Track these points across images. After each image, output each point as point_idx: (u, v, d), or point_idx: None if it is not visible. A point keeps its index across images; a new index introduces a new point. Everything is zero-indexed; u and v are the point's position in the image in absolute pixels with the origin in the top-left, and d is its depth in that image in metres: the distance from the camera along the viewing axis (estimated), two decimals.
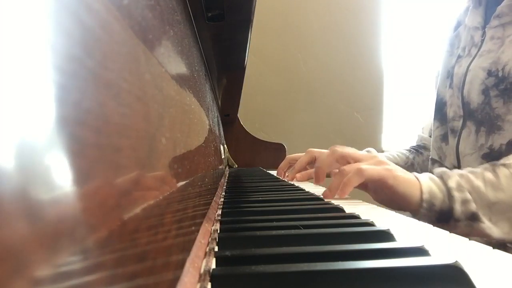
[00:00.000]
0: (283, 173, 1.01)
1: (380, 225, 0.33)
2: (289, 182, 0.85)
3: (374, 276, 0.21)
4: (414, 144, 1.06)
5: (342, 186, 0.59)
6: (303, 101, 1.87)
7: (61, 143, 0.09)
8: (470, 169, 0.62)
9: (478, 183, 0.57)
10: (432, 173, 0.62)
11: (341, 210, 0.44)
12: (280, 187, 0.73)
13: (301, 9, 1.86)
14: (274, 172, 1.15)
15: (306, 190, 0.68)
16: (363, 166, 0.59)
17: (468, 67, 0.77)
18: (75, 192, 0.10)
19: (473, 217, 0.56)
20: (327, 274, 0.21)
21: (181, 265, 0.21)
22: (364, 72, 1.89)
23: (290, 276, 0.21)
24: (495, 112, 0.70)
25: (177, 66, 0.31)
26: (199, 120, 0.42)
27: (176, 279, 0.19)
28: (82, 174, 0.10)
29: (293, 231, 0.31)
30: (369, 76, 1.90)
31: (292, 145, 1.64)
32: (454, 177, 0.59)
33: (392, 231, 0.30)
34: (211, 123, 0.63)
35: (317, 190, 0.76)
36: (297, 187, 0.72)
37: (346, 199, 0.62)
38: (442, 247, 0.30)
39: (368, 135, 1.90)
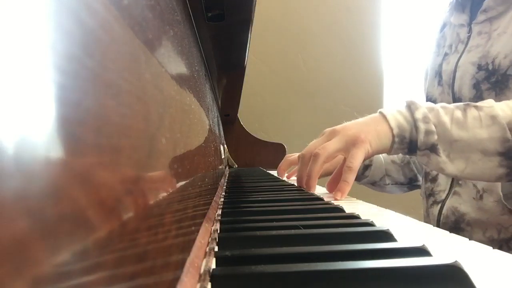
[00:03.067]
0: (283, 173, 1.00)
1: (380, 225, 0.33)
2: (289, 182, 0.85)
3: (374, 276, 0.21)
4: None
5: (308, 175, 0.63)
6: (303, 101, 1.87)
7: (61, 143, 0.09)
8: (443, 104, 0.62)
9: (445, 118, 0.59)
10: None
11: (341, 210, 0.44)
12: (280, 187, 0.73)
13: (301, 9, 1.86)
14: (274, 172, 1.15)
15: (306, 190, 0.68)
16: (319, 148, 0.62)
17: (456, 63, 0.78)
18: (75, 192, 0.10)
19: (432, 149, 0.58)
20: (327, 274, 0.21)
21: (181, 265, 0.21)
22: (364, 72, 1.89)
23: (290, 276, 0.21)
24: None
25: (177, 66, 0.31)
26: (199, 120, 0.42)
27: (176, 279, 0.19)
28: (82, 174, 0.10)
29: (293, 231, 0.31)
30: (369, 76, 1.90)
31: (292, 145, 1.64)
32: (422, 108, 0.60)
33: (392, 231, 0.30)
34: (211, 123, 0.63)
35: (317, 190, 0.76)
36: (297, 187, 0.72)
37: (346, 198, 0.62)
38: (442, 247, 0.30)
39: None
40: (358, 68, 1.89)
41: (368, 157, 0.62)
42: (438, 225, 0.82)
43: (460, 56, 0.78)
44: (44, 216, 0.08)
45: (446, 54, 0.83)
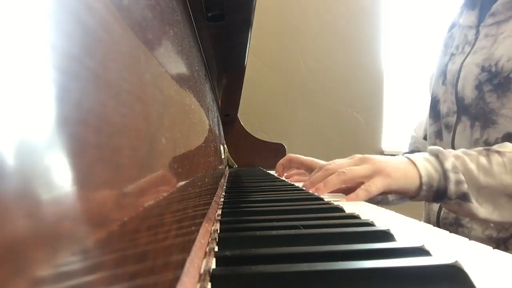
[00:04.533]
0: (282, 169, 0.98)
1: (380, 225, 0.33)
2: (289, 182, 0.85)
3: (374, 276, 0.21)
4: (407, 149, 1.07)
5: (324, 182, 0.63)
6: (303, 101, 1.87)
7: (61, 143, 0.09)
8: (464, 150, 0.64)
9: (472, 166, 0.60)
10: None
11: (341, 210, 0.44)
12: (280, 187, 0.73)
13: (301, 9, 1.86)
14: (274, 172, 1.15)
15: (306, 190, 0.68)
16: (347, 168, 0.62)
17: (462, 63, 0.79)
18: (75, 192, 0.10)
19: (464, 197, 0.60)
20: (327, 274, 0.21)
21: (181, 265, 0.21)
22: (364, 72, 1.89)
23: (290, 276, 0.21)
24: (489, 106, 0.72)
25: (177, 66, 0.31)
26: (199, 120, 0.42)
27: (176, 279, 0.19)
28: (82, 174, 0.10)
29: (293, 231, 0.31)
30: (369, 76, 1.90)
31: (292, 145, 1.64)
32: (450, 158, 0.61)
33: (392, 231, 0.30)
34: (211, 123, 0.63)
35: None
36: (297, 187, 0.72)
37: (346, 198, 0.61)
38: (442, 247, 0.30)
39: (368, 135, 1.90)
40: (358, 68, 1.89)
41: (388, 193, 0.63)
42: (438, 220, 0.83)
43: (466, 57, 0.79)
44: (44, 216, 0.08)
45: (452, 55, 0.84)
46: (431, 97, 0.90)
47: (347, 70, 1.89)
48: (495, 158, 0.61)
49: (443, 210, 0.82)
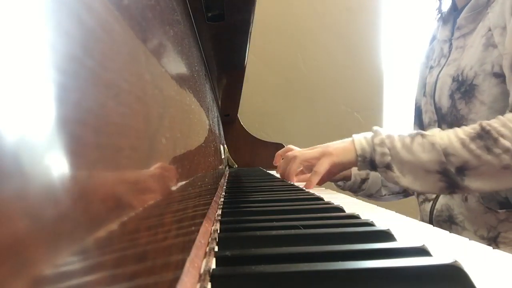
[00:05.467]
0: (279, 157, 1.02)
1: (380, 225, 0.33)
2: (289, 182, 0.85)
3: (374, 276, 0.21)
4: None
5: (287, 176, 0.84)
6: (303, 101, 1.87)
7: (61, 143, 0.09)
8: (400, 132, 0.76)
9: (398, 144, 0.74)
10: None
11: (341, 210, 0.44)
12: (280, 187, 0.73)
13: (301, 9, 1.86)
14: (274, 172, 1.15)
15: (306, 190, 0.68)
16: (297, 153, 0.82)
17: (437, 76, 0.87)
18: (75, 192, 0.10)
19: (388, 167, 0.74)
20: (327, 274, 0.21)
21: (181, 265, 0.21)
22: (364, 72, 1.89)
23: (290, 276, 0.21)
24: (460, 113, 0.81)
25: (177, 66, 0.31)
26: (199, 120, 0.42)
27: (176, 279, 0.19)
28: (82, 174, 0.10)
29: (293, 231, 0.31)
30: (369, 76, 1.89)
31: (292, 145, 1.64)
32: (381, 135, 0.76)
33: (392, 231, 0.30)
34: (211, 123, 0.63)
35: (316, 190, 0.76)
36: (297, 187, 0.72)
37: (345, 198, 0.62)
38: (442, 247, 0.30)
39: None
40: (358, 68, 1.89)
41: (334, 167, 0.79)
42: (431, 219, 0.88)
43: (441, 70, 0.87)
44: (44, 216, 0.08)
45: (431, 67, 0.92)
46: (415, 106, 0.99)
47: (347, 70, 1.89)
48: (417, 139, 0.73)
49: (436, 209, 0.87)
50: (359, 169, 0.79)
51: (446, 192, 0.74)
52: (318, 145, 0.83)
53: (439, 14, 0.93)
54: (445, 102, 0.85)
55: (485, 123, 0.70)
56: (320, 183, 0.93)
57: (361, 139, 0.78)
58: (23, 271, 0.07)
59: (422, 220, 0.91)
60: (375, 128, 0.79)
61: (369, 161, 0.76)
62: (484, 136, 0.69)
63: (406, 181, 0.73)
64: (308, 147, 0.86)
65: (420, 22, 1.88)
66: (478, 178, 0.70)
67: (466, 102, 0.79)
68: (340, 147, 0.79)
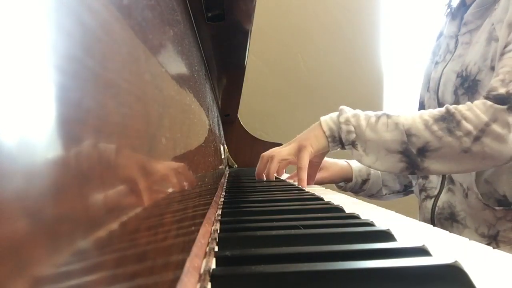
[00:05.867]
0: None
1: (380, 225, 0.33)
2: (289, 182, 0.85)
3: (374, 276, 0.21)
4: None
5: (267, 176, 0.83)
6: (303, 101, 1.87)
7: (61, 143, 0.09)
8: (367, 112, 0.78)
9: (363, 122, 0.75)
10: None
11: (341, 210, 0.44)
12: (280, 187, 0.73)
13: (301, 9, 1.86)
14: None
15: (306, 190, 0.68)
16: (275, 153, 0.82)
17: (442, 71, 0.87)
18: (75, 192, 0.10)
19: (353, 145, 0.76)
20: (327, 274, 0.21)
21: (181, 265, 0.21)
22: (364, 72, 1.89)
23: (290, 276, 0.21)
24: None
25: (177, 66, 0.31)
26: (199, 120, 0.42)
27: (176, 279, 0.19)
28: (82, 174, 0.10)
29: (293, 231, 0.31)
30: (369, 76, 1.89)
31: None
32: (346, 114, 0.77)
33: (392, 231, 0.30)
34: (211, 123, 0.63)
35: (316, 190, 0.76)
36: (297, 187, 0.72)
37: (345, 198, 0.62)
38: (442, 247, 0.30)
39: None
40: (358, 68, 1.89)
41: (314, 157, 0.80)
42: (432, 216, 0.88)
43: (446, 65, 0.87)
44: (44, 216, 0.08)
45: (436, 63, 0.92)
46: (419, 100, 0.97)
47: (347, 70, 1.88)
48: (383, 118, 0.74)
49: (438, 206, 0.87)
50: (331, 149, 0.80)
51: (406, 172, 0.75)
52: (291, 140, 0.84)
53: (449, 9, 0.92)
54: (448, 98, 0.84)
55: (451, 106, 0.70)
56: (319, 183, 0.93)
57: (327, 120, 0.80)
58: (23, 271, 0.07)
59: (424, 218, 0.91)
60: (341, 107, 0.80)
61: (338, 140, 0.78)
62: (448, 118, 0.69)
63: (368, 160, 0.75)
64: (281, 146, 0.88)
65: (420, 22, 1.88)
66: (438, 160, 0.70)
67: (469, 97, 0.78)
68: (312, 136, 0.79)
